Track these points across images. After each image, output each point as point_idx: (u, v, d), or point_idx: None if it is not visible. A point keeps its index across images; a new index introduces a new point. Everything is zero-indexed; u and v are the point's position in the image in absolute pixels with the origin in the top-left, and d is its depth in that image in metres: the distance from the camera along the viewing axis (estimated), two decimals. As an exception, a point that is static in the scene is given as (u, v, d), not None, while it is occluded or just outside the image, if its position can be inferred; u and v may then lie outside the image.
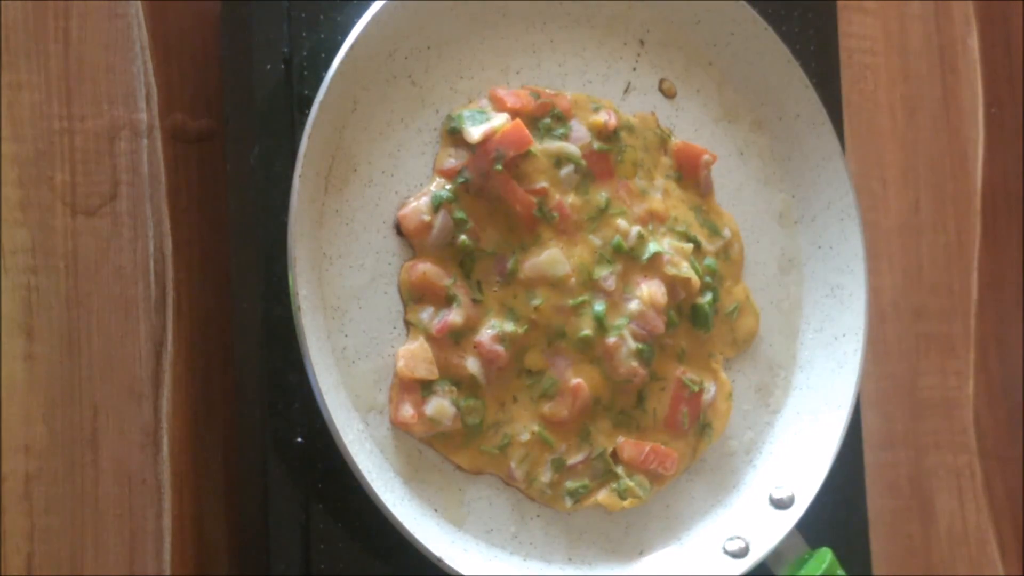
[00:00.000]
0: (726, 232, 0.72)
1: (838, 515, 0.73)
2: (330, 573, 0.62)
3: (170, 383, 0.67)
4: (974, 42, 0.93)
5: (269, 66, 0.63)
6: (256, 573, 0.64)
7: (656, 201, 0.70)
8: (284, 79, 0.63)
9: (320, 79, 0.61)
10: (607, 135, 0.68)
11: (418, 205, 0.64)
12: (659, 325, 0.67)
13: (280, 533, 0.61)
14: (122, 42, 0.68)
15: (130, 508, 0.65)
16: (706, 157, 0.72)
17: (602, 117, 0.68)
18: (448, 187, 0.64)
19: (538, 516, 0.66)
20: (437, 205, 0.64)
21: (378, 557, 0.63)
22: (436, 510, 0.63)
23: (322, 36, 0.64)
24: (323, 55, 0.63)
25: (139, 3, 0.68)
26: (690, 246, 0.69)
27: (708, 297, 0.70)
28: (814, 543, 0.70)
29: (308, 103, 0.62)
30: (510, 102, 0.66)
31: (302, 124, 0.61)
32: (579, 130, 0.67)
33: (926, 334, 0.89)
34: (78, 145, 0.66)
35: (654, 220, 0.69)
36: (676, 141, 0.72)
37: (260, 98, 0.63)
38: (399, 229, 0.64)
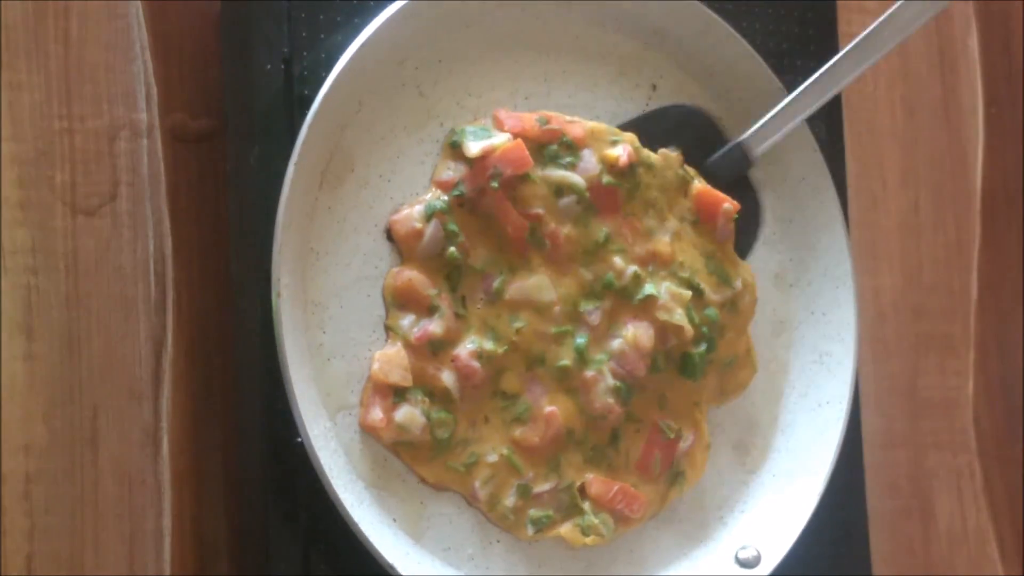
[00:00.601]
0: (737, 283, 0.71)
1: (838, 515, 0.73)
2: (330, 573, 0.62)
3: (170, 383, 0.67)
4: (974, 42, 0.93)
5: (269, 66, 0.63)
6: (256, 573, 0.64)
7: (662, 243, 0.69)
8: (284, 79, 0.63)
9: (320, 79, 0.61)
10: (620, 170, 0.67)
11: (411, 212, 0.64)
12: (640, 367, 0.66)
13: (280, 533, 0.61)
14: (122, 42, 0.68)
15: (130, 508, 0.65)
16: (727, 206, 0.71)
17: (617, 151, 0.67)
18: (443, 198, 0.64)
19: (498, 542, 0.65)
20: (430, 214, 0.64)
21: (378, 557, 0.63)
22: (395, 520, 0.63)
23: (322, 36, 0.64)
24: (323, 55, 0.63)
25: (139, 3, 0.68)
26: (689, 293, 0.68)
27: (702, 348, 0.69)
28: (813, 542, 0.70)
29: (308, 103, 0.62)
30: (509, 124, 0.66)
31: (302, 124, 0.61)
32: (590, 161, 0.67)
33: (926, 334, 0.89)
34: (78, 145, 0.66)
35: (656, 262, 0.68)
36: (698, 185, 0.71)
37: (260, 98, 0.63)
38: (389, 235, 0.64)
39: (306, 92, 0.63)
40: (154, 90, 0.68)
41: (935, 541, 0.88)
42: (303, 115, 0.61)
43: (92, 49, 0.67)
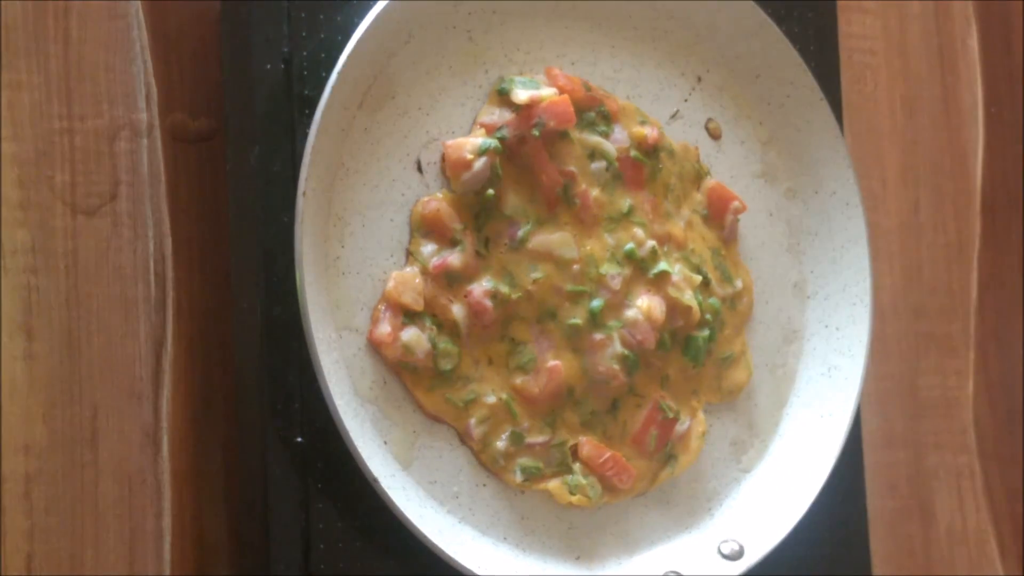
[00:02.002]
0: (738, 283, 0.73)
1: (838, 515, 0.73)
2: (330, 573, 0.62)
3: (170, 383, 0.67)
4: (974, 42, 0.93)
5: (269, 66, 0.63)
6: (256, 573, 0.64)
7: (677, 227, 0.70)
8: (284, 79, 0.63)
9: (321, 79, 0.62)
10: (646, 148, 0.69)
11: (466, 142, 0.65)
12: (650, 339, 0.67)
13: (280, 533, 0.61)
14: (122, 42, 0.68)
15: (130, 508, 0.65)
16: (736, 204, 0.73)
17: (646, 130, 0.69)
18: (497, 141, 0.65)
19: (485, 485, 0.66)
20: (484, 151, 0.65)
21: (378, 557, 0.63)
22: (386, 442, 0.63)
23: (322, 36, 0.64)
24: (323, 55, 0.63)
25: (139, 3, 0.68)
26: (699, 278, 0.70)
27: (705, 333, 0.70)
28: (813, 542, 0.70)
29: (308, 103, 0.62)
30: (562, 82, 0.68)
31: (302, 124, 0.61)
32: (620, 134, 0.69)
33: (926, 334, 0.89)
34: (78, 145, 0.66)
35: (671, 243, 0.70)
36: (711, 181, 0.72)
37: (260, 98, 0.63)
38: (419, 166, 0.65)
39: (306, 92, 0.63)
40: (154, 90, 0.68)
41: (935, 541, 0.88)
42: (303, 115, 0.62)
43: (92, 49, 0.67)
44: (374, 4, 0.63)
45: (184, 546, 0.67)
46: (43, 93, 0.66)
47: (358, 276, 0.64)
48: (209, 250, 0.69)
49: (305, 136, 0.62)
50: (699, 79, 0.73)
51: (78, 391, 0.65)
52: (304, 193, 0.60)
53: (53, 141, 0.66)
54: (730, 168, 0.74)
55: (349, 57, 0.61)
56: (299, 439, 0.61)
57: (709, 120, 0.73)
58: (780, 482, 0.72)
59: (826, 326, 0.75)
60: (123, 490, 0.65)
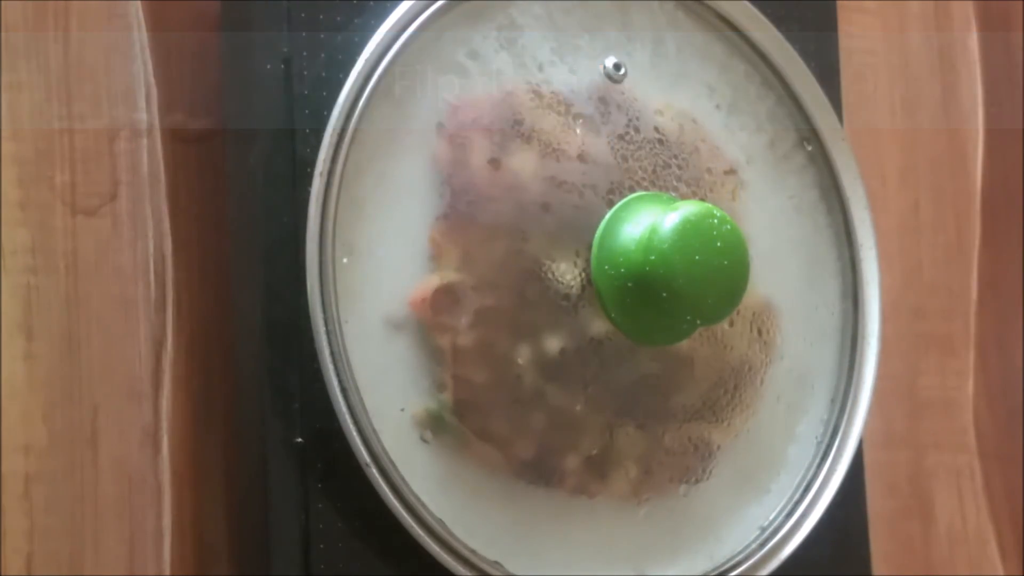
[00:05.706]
0: None
1: (838, 515, 0.73)
2: (330, 573, 0.62)
3: (170, 383, 0.67)
4: (974, 42, 0.93)
5: (269, 66, 0.63)
6: (256, 573, 0.64)
7: None
8: (284, 79, 0.63)
9: (320, 79, 0.62)
10: None
11: None
12: None
13: (280, 533, 0.61)
14: (122, 42, 0.68)
15: (130, 508, 0.65)
16: None
17: None
18: None
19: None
20: None
21: (378, 557, 0.63)
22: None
23: (322, 36, 0.64)
24: (323, 55, 0.63)
25: (139, 3, 0.68)
26: None
27: None
28: (813, 542, 0.70)
29: (309, 103, 0.62)
30: None
31: (302, 124, 0.61)
32: None
33: (926, 334, 0.89)
34: (78, 145, 0.66)
35: None
36: None
37: (260, 98, 0.63)
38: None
39: (306, 92, 0.63)
40: (154, 90, 0.68)
41: (935, 541, 0.88)
42: (303, 115, 0.62)
43: (92, 49, 0.67)
44: (376, 7, 0.63)
45: (184, 546, 0.67)
46: (43, 93, 0.66)
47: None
48: (209, 250, 0.69)
49: (305, 136, 0.62)
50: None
51: (78, 391, 0.65)
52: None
53: (53, 141, 0.66)
54: None
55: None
56: (299, 439, 0.61)
57: None
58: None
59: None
60: (123, 490, 0.65)
